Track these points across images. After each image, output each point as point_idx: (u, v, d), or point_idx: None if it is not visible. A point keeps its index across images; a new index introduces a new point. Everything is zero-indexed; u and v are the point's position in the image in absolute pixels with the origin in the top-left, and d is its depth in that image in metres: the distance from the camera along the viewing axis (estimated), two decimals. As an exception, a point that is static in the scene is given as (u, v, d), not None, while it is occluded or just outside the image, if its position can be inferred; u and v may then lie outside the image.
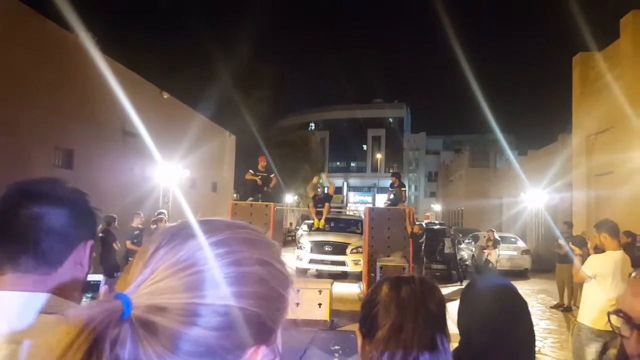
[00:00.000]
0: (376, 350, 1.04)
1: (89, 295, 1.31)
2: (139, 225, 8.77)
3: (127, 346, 0.43)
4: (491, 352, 1.26)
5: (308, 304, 7.28)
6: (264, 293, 0.51)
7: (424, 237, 11.46)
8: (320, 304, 7.42)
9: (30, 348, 0.75)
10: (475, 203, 30.13)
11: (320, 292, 7.51)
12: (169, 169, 13.39)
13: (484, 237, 14.02)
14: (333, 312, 7.64)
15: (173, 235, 0.52)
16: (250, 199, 10.65)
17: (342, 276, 12.81)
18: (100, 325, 0.42)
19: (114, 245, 8.07)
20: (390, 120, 56.57)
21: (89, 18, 9.95)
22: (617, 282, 4.23)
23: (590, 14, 12.35)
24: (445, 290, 10.57)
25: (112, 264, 7.88)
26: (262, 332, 0.51)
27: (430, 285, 1.13)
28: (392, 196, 11.07)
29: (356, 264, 12.46)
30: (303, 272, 13.03)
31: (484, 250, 13.05)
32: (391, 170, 41.89)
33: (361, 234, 12.62)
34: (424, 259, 11.90)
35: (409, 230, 9.94)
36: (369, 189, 54.79)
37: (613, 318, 0.95)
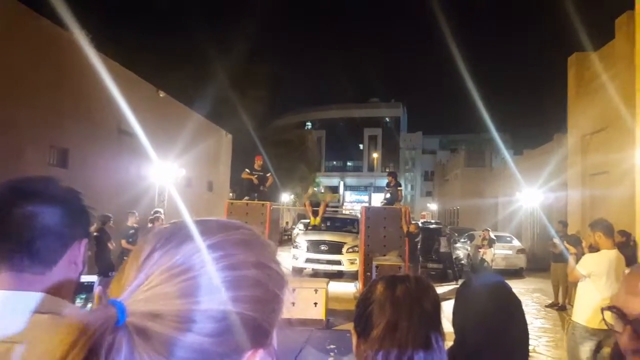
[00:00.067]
0: (371, 349, 1.04)
1: (83, 297, 1.31)
2: (134, 225, 8.75)
3: (123, 353, 0.43)
4: (485, 350, 1.27)
5: (304, 303, 7.27)
6: (261, 296, 0.51)
7: (420, 236, 11.50)
8: (316, 303, 7.42)
9: (24, 348, 0.75)
10: (471, 202, 30.23)
11: (316, 291, 7.52)
12: (164, 167, 13.35)
13: (480, 236, 14.07)
14: (329, 312, 7.64)
15: (168, 237, 0.51)
16: (247, 198, 10.65)
17: (338, 275, 12.82)
18: (95, 334, 0.42)
19: (109, 244, 8.06)
20: (387, 119, 56.59)
21: (84, 16, 9.93)
22: (611, 281, 4.25)
23: (585, 14, 12.40)
24: (441, 289, 10.63)
25: (107, 263, 7.86)
26: (259, 335, 0.51)
27: (425, 284, 1.13)
28: (388, 195, 11.10)
29: (352, 263, 12.47)
30: (299, 272, 13.02)
31: (480, 250, 13.10)
32: (387, 170, 41.92)
33: (357, 233, 12.63)
34: (420, 258, 11.93)
35: (405, 229, 9.96)
36: (365, 188, 54.80)
37: (607, 314, 0.95)
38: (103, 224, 7.92)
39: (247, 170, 10.63)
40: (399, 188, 11.06)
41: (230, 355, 0.48)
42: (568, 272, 5.14)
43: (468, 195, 31.47)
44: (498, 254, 14.15)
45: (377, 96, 59.00)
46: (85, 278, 1.21)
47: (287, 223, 31.51)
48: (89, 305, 1.28)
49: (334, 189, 52.30)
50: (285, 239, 24.74)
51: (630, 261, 4.76)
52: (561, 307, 9.98)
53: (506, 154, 31.70)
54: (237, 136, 22.57)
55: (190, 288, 0.47)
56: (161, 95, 15.28)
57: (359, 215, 11.82)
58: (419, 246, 11.38)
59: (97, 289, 0.51)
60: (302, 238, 13.69)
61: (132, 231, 8.59)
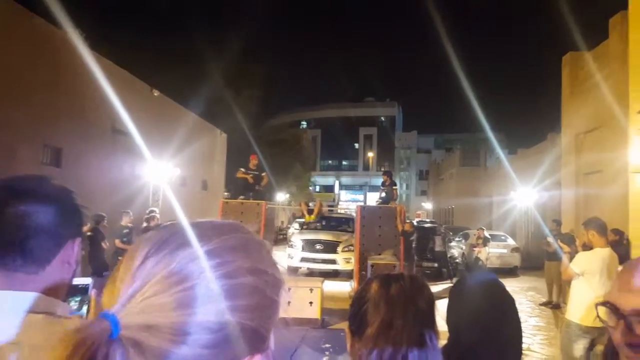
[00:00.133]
0: (365, 347, 1.04)
1: (78, 299, 1.31)
2: (129, 224, 8.72)
3: None
4: (479, 348, 1.27)
5: (299, 302, 7.28)
6: (258, 303, 0.50)
7: (415, 235, 11.53)
8: (311, 303, 7.42)
9: (20, 354, 0.74)
10: (466, 201, 30.33)
11: (311, 290, 7.52)
12: (159, 167, 13.30)
13: (474, 235, 14.13)
14: (324, 311, 7.65)
15: (161, 243, 0.49)
16: (241, 197, 10.63)
17: (334, 274, 12.83)
18: (90, 349, 0.41)
19: (103, 244, 8.02)
20: (382, 118, 56.64)
21: (78, 15, 9.87)
22: (604, 279, 4.28)
23: (580, 14, 12.43)
24: (436, 287, 10.67)
25: (100, 263, 7.84)
26: (256, 341, 0.50)
27: (419, 282, 1.13)
28: (383, 194, 11.13)
29: (347, 262, 12.48)
30: (294, 271, 13.02)
31: (474, 248, 13.16)
32: (383, 169, 41.93)
33: (352, 232, 12.64)
34: (415, 257, 11.96)
35: (400, 228, 9.99)
36: (360, 188, 54.84)
37: (601, 310, 0.96)
38: (97, 223, 7.89)
39: (242, 169, 10.61)
40: (394, 187, 11.09)
41: None
42: (562, 271, 5.16)
43: (463, 195, 31.55)
44: (492, 253, 14.22)
45: (373, 95, 59.04)
46: (79, 280, 1.20)
47: (282, 222, 31.48)
48: (84, 307, 1.27)
49: (329, 188, 52.39)
50: (281, 238, 24.73)
51: (623, 259, 4.78)
52: (555, 305, 10.03)
53: (501, 153, 31.86)
54: (231, 135, 22.52)
55: (187, 299, 0.45)
56: (155, 94, 15.22)
57: (354, 214, 11.85)
58: (414, 245, 11.42)
59: (92, 292, 0.50)
60: (297, 237, 13.69)
61: (126, 231, 8.56)
